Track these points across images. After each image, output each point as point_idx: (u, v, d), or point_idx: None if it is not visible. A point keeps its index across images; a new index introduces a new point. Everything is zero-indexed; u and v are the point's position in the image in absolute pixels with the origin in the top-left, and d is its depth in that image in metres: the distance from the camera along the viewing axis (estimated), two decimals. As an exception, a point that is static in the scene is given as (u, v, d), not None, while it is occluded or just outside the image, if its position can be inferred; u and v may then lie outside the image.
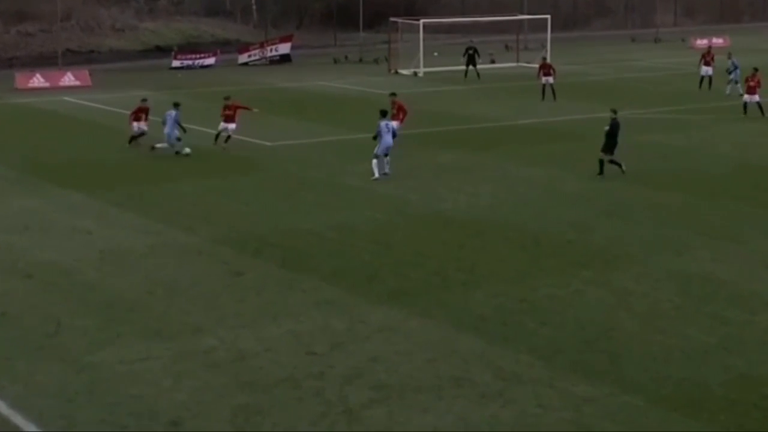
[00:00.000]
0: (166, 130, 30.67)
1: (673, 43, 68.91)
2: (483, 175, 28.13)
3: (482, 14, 66.24)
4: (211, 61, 57.69)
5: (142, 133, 32.34)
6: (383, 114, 28.00)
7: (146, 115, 32.53)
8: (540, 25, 59.46)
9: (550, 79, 42.56)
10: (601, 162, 27.27)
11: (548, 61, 43.82)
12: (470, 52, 51.27)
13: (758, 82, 37.17)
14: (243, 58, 59.15)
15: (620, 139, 27.75)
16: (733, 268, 19.64)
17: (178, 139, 30.79)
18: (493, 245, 21.36)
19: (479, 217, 23.62)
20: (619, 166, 27.41)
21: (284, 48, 59.68)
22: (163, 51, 62.73)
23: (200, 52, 58.97)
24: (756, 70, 37.77)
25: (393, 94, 32.03)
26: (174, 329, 16.34)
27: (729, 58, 42.95)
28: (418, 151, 31.56)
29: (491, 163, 29.88)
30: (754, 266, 19.81)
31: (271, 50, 59.39)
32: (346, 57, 60.05)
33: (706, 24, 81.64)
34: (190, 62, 57.21)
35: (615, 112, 27.58)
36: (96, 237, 21.89)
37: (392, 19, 57.42)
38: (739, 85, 41.03)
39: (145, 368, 14.78)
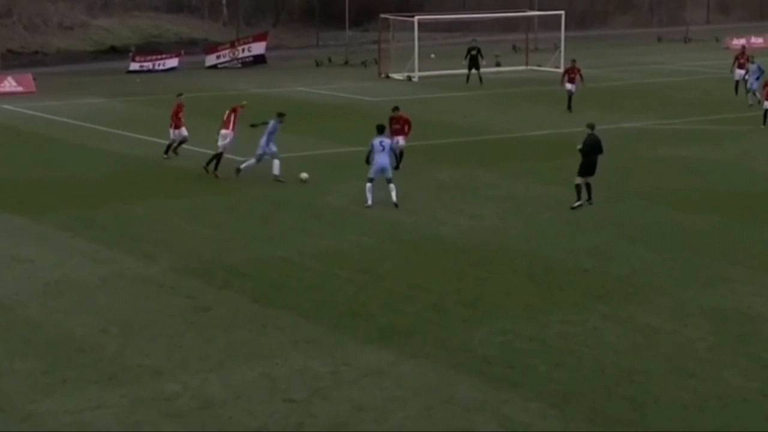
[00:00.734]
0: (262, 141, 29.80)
1: (706, 43, 69.30)
2: (487, 195, 28.20)
3: (486, 10, 66.56)
4: (174, 63, 57.81)
5: (183, 140, 32.71)
6: (379, 130, 27.66)
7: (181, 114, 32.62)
8: (553, 23, 59.78)
9: (572, 87, 42.32)
10: (578, 187, 26.44)
11: (577, 65, 43.48)
12: (473, 53, 51.44)
13: None
14: (211, 59, 59.29)
15: (643, 151, 27.90)
16: (775, 302, 19.72)
17: (268, 155, 30.13)
18: (498, 275, 21.38)
19: (483, 243, 23.66)
20: (589, 197, 26.54)
21: (258, 48, 59.88)
22: (118, 52, 62.84)
23: (161, 53, 59.12)
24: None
25: (396, 109, 31.50)
26: (130, 373, 16.30)
27: (750, 61, 43.38)
28: (413, 168, 31.60)
29: (497, 180, 29.97)
30: (799, 300, 19.88)
31: (243, 50, 59.56)
32: (329, 59, 60.26)
33: (744, 21, 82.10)
34: (149, 65, 57.34)
35: (592, 127, 26.92)
36: (39, 267, 21.85)
37: (383, 15, 57.70)
38: (756, 93, 41.26)
39: (97, 418, 14.72)
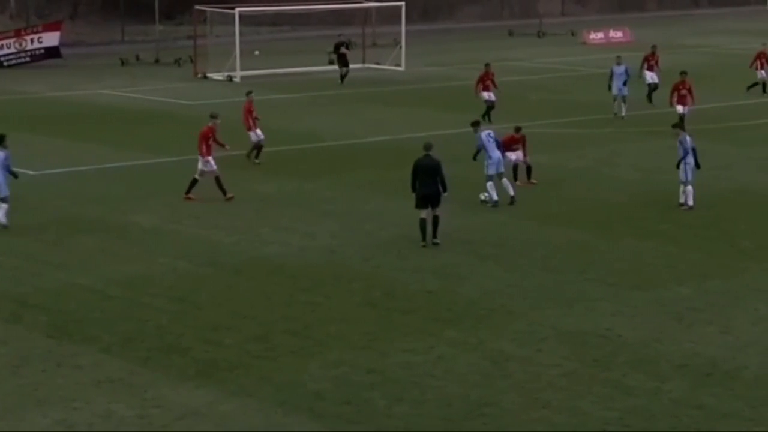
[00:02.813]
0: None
1: (562, 37, 71.05)
2: (320, 210, 28.39)
3: (318, 1, 66.93)
4: None
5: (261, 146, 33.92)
6: (476, 123, 28.96)
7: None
8: (393, 15, 60.50)
9: (491, 95, 40.96)
10: (422, 222, 24.95)
11: (491, 69, 41.77)
12: (342, 49, 51.89)
13: (689, 90, 38.51)
14: (-8, 51, 57.43)
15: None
16: (638, 324, 20.39)
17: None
18: (332, 300, 21.56)
19: (315, 264, 23.82)
20: (426, 236, 24.85)
21: (51, 39, 58.45)
22: None
23: None
24: (684, 74, 39.16)
25: (518, 129, 30.92)
26: None
27: (618, 63, 42.87)
28: (233, 180, 31.55)
29: (331, 193, 30.19)
30: (664, 320, 20.62)
31: (32, 41, 58.09)
32: (137, 57, 59.67)
33: (602, 13, 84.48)
34: None
35: (428, 147, 25.17)
36: None
37: (198, 7, 57.44)
38: (626, 100, 41.52)
39: None
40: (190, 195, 29.26)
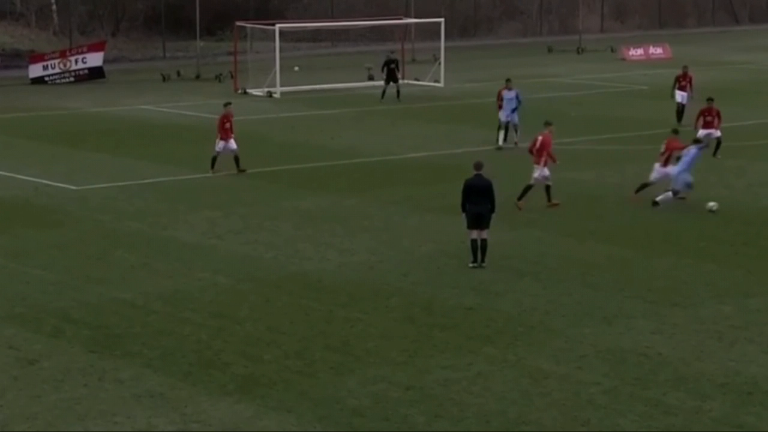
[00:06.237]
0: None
1: (601, 53, 70.97)
2: (359, 225, 28.41)
3: (357, 17, 67.07)
4: None
5: (236, 156, 34.58)
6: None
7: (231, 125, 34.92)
8: (432, 31, 60.60)
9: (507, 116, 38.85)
10: (473, 244, 24.64)
11: (511, 84, 39.60)
12: (391, 65, 52.03)
13: (718, 114, 37.74)
14: (36, 70, 57.85)
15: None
16: (678, 342, 20.27)
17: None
18: (371, 316, 21.56)
19: (354, 280, 23.82)
20: (477, 257, 24.60)
21: (95, 59, 58.94)
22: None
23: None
24: (711, 100, 37.87)
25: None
26: (-58, 438, 16.01)
27: (508, 87, 38.88)
28: (273, 195, 31.67)
29: (370, 209, 30.22)
30: (704, 338, 20.49)
31: (76, 62, 58.59)
32: (178, 73, 60.00)
33: (642, 29, 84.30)
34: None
35: (479, 167, 24.87)
36: None
37: (239, 23, 57.70)
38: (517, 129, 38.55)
39: None
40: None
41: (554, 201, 29.99)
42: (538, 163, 29.88)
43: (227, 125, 34.56)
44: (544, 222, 28.45)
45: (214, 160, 34.48)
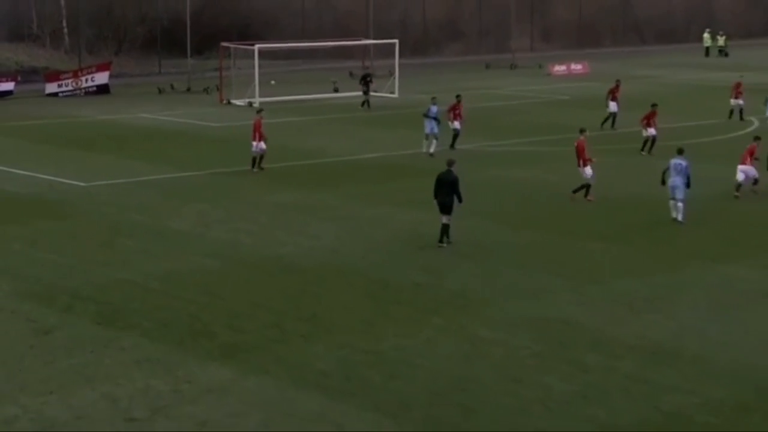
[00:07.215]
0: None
1: (531, 69, 71.10)
2: (325, 216, 28.38)
3: (325, 39, 66.94)
4: (9, 86, 55.99)
5: (262, 155, 34.24)
6: (679, 152, 27.79)
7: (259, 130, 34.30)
8: (388, 51, 60.55)
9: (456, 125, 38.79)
10: (443, 227, 24.84)
11: (461, 101, 39.45)
12: (368, 78, 52.14)
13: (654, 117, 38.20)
14: (52, 87, 57.63)
15: (475, 173, 28.45)
16: (594, 311, 20.39)
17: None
18: (336, 292, 21.56)
19: (321, 262, 23.82)
20: (443, 238, 24.75)
21: (102, 78, 58.62)
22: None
23: (-5, 78, 56.91)
24: (655, 105, 38.60)
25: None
26: (-30, 398, 15.88)
27: (433, 103, 38.11)
28: (252, 190, 31.58)
29: (334, 202, 30.18)
30: (617, 308, 20.62)
31: (87, 80, 58.23)
32: (172, 86, 59.63)
33: (565, 48, 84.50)
34: (-22, 90, 55.21)
35: (450, 164, 25.12)
36: None
37: (224, 44, 57.43)
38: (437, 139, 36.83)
39: (-65, 444, 14.29)
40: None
41: (589, 197, 29.87)
42: (578, 165, 29.87)
43: (260, 129, 34.40)
44: (484, 213, 28.50)
45: (253, 160, 34.42)
